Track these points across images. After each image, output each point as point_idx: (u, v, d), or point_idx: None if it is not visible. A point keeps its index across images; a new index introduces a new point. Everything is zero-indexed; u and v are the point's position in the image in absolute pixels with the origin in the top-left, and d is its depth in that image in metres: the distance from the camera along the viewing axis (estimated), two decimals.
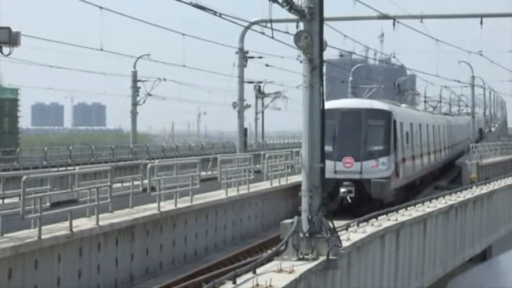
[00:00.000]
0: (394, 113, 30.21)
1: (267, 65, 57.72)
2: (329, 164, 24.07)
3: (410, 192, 33.56)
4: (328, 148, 23.50)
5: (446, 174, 50.53)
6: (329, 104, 27.66)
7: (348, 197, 27.77)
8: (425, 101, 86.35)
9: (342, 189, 27.71)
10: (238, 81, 39.50)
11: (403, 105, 44.08)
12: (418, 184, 36.26)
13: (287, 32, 18.04)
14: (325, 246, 13.66)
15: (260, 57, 53.32)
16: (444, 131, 46.73)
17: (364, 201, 27.79)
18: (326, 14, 14.58)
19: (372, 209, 24.38)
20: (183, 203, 22.13)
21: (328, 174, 19.16)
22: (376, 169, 28.44)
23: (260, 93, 75.14)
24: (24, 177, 15.62)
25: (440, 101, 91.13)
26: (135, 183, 22.16)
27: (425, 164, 37.20)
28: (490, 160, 52.71)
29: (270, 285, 11.44)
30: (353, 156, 28.33)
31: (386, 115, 29.54)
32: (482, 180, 37.85)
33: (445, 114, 68.63)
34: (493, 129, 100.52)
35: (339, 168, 28.22)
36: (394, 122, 29.61)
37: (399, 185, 30.25)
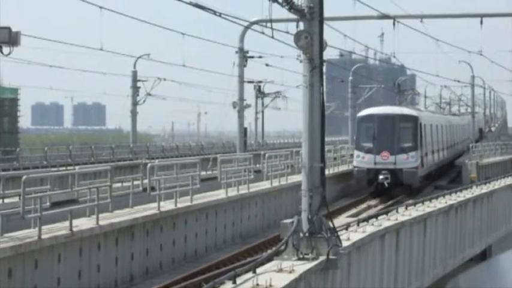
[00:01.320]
0: (420, 117, 38.48)
1: (267, 65, 57.67)
2: (370, 157, 35.94)
3: (430, 179, 41.45)
4: (368, 144, 36.16)
5: (447, 173, 50.61)
6: (369, 111, 38.69)
7: (385, 183, 35.79)
8: (439, 104, 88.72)
9: (381, 177, 35.80)
10: (238, 81, 39.50)
11: (422, 108, 56.22)
12: (434, 173, 43.49)
13: (287, 32, 18.01)
14: (325, 246, 13.65)
15: (260, 57, 53.27)
16: (453, 130, 54.06)
17: (397, 186, 36.11)
18: (326, 14, 14.58)
19: (403, 192, 35.38)
20: (183, 202, 22.13)
21: (369, 165, 33.79)
22: (407, 161, 36.44)
23: (260, 93, 75.14)
24: (24, 177, 15.62)
25: (449, 103, 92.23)
26: (135, 183, 22.17)
27: (441, 157, 45.17)
28: (490, 160, 52.71)
29: (270, 285, 11.43)
30: (389, 151, 36.35)
31: (414, 119, 37.81)
32: (482, 180, 37.84)
33: (454, 114, 74.56)
34: (493, 128, 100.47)
35: (378, 160, 36.38)
36: (420, 124, 37.68)
37: (423, 174, 38.25)
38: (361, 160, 36.98)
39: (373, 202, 35.95)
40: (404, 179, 36.34)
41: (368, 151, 36.77)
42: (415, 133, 37.29)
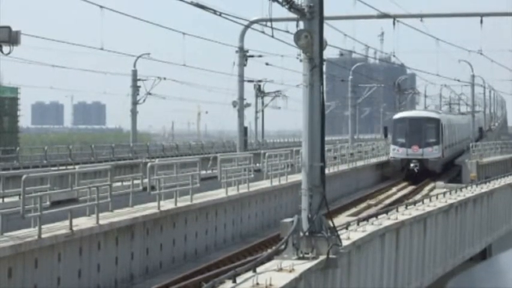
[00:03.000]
0: (441, 119, 49.82)
1: (267, 64, 57.67)
2: (403, 149, 47.12)
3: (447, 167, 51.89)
4: (402, 140, 47.38)
5: (447, 173, 50.67)
6: (402, 114, 51.50)
7: (415, 169, 46.72)
8: (449, 104, 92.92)
9: (411, 165, 46.96)
10: (238, 80, 39.50)
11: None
12: (450, 161, 52.89)
13: (287, 31, 17.98)
14: (325, 245, 13.65)
15: (260, 56, 53.26)
16: (462, 128, 64.18)
17: (424, 172, 46.58)
18: (326, 13, 14.58)
19: (429, 176, 46.19)
20: (183, 202, 22.13)
21: (403, 156, 45.52)
22: (432, 152, 47.39)
23: (260, 92, 75.11)
24: (24, 176, 15.62)
25: (459, 103, 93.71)
26: (135, 182, 22.16)
27: (455, 149, 55.69)
28: (490, 159, 52.72)
29: (270, 284, 11.43)
30: (418, 145, 47.41)
31: (436, 120, 49.14)
32: (482, 179, 37.85)
33: (461, 113, 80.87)
34: (492, 127, 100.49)
35: (409, 152, 47.27)
36: (441, 124, 48.76)
37: (443, 163, 49.33)
38: (396, 152, 47.96)
39: (373, 201, 36.21)
40: (430, 166, 47.18)
41: (402, 145, 47.84)
42: (438, 131, 48.22)
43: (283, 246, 13.55)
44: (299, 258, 13.39)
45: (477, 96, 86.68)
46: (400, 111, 57.59)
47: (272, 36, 15.98)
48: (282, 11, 14.28)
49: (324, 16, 14.36)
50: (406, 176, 46.96)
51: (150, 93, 57.56)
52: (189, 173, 23.60)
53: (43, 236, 15.38)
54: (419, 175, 46.34)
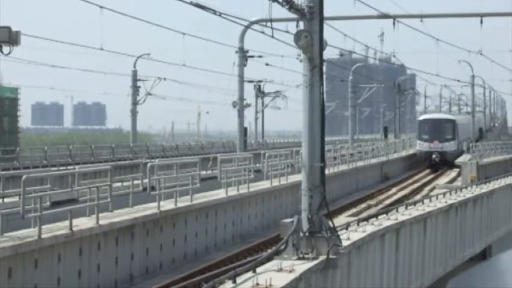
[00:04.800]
0: (456, 120, 63.56)
1: (267, 64, 57.67)
2: (427, 144, 59.21)
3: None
4: (426, 136, 59.56)
5: (446, 173, 50.71)
6: (425, 116, 65.10)
7: (436, 159, 58.77)
8: (457, 105, 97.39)
9: (433, 156, 59.00)
10: (238, 81, 39.49)
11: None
12: (462, 152, 61.37)
13: (287, 31, 17.98)
14: (325, 246, 13.65)
15: (260, 57, 53.27)
16: (470, 126, 73.66)
17: (443, 162, 58.30)
18: (326, 13, 14.57)
19: (446, 165, 57.54)
20: (183, 202, 22.12)
21: (426, 149, 58.95)
22: (449, 146, 59.76)
23: (260, 93, 75.18)
24: (24, 177, 15.62)
25: (459, 104, 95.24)
26: (135, 182, 22.14)
27: (466, 143, 64.25)
28: (490, 159, 52.70)
29: (270, 285, 11.43)
30: (438, 140, 59.72)
31: (452, 121, 62.48)
32: (482, 180, 37.82)
33: (467, 113, 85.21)
34: (493, 128, 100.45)
35: (431, 146, 59.57)
36: (456, 124, 61.87)
37: (458, 154, 58.83)
38: (422, 146, 60.48)
39: (373, 202, 36.25)
40: (447, 157, 58.32)
41: (426, 140, 60.26)
42: (454, 130, 60.79)
43: (283, 247, 13.55)
44: (299, 259, 13.39)
45: (477, 96, 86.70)
46: (424, 114, 71.01)
47: (272, 37, 16.00)
48: (282, 12, 14.30)
49: (324, 16, 14.36)
50: (429, 165, 59.21)
51: (150, 94, 57.62)
52: (189, 173, 23.59)
53: (43, 236, 15.38)
54: (439, 164, 58.65)
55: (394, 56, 50.81)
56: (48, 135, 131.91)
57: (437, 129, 60.25)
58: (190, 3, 20.40)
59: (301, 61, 14.37)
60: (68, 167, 35.10)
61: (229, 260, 20.88)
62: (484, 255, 29.55)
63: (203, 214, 23.22)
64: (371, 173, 48.56)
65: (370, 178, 47.59)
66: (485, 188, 29.98)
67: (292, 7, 13.90)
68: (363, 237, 16.26)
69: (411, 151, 64.81)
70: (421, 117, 64.72)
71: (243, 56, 38.83)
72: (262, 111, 77.99)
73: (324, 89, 14.36)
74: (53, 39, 49.57)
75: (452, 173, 53.94)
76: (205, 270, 18.95)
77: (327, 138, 15.75)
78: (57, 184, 20.57)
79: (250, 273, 12.02)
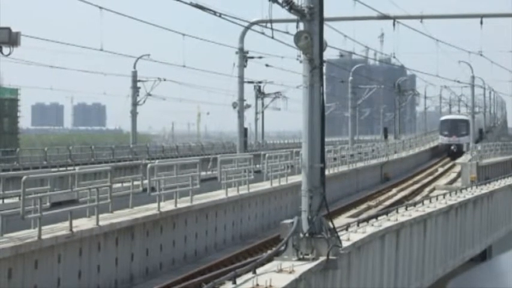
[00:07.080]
0: (469, 119, 74.62)
1: (267, 65, 57.65)
2: (447, 138, 77.76)
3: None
4: (446, 132, 78.39)
5: (447, 173, 50.72)
6: (446, 117, 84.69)
7: (454, 150, 74.02)
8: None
9: (452, 147, 75.23)
10: (238, 81, 39.46)
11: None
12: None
13: (287, 32, 17.98)
14: (325, 246, 13.65)
15: (260, 57, 53.25)
16: (480, 124, 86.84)
17: (459, 152, 71.12)
18: (326, 14, 14.57)
19: (461, 155, 67.45)
20: (183, 203, 22.13)
21: (447, 142, 77.90)
22: (464, 140, 73.90)
23: (260, 93, 75.15)
24: (24, 177, 15.62)
25: (459, 104, 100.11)
26: (135, 183, 22.14)
27: (476, 138, 75.15)
28: (490, 160, 52.72)
29: (270, 285, 11.44)
30: (456, 135, 76.23)
31: (467, 121, 76.39)
32: (482, 181, 37.82)
33: (475, 113, 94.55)
34: (493, 129, 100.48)
35: (451, 140, 76.33)
36: (469, 123, 74.09)
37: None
38: (443, 140, 77.86)
39: (373, 202, 36.26)
40: (463, 148, 72.66)
41: (446, 135, 77.41)
42: (468, 127, 74.42)
43: (283, 247, 13.56)
44: (299, 259, 13.39)
45: (477, 97, 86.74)
46: (445, 115, 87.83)
47: (272, 38, 16.00)
48: (282, 12, 14.28)
49: (324, 17, 14.36)
50: (448, 154, 74.15)
51: (150, 94, 57.56)
52: (189, 174, 23.59)
53: (43, 237, 15.38)
54: (457, 153, 71.80)
55: (394, 57, 50.70)
56: (48, 136, 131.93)
57: (455, 126, 77.64)
58: (190, 3, 20.39)
59: (301, 62, 14.37)
60: (68, 168, 35.10)
61: (229, 260, 20.89)
62: (484, 256, 29.54)
63: (203, 215, 23.22)
64: (371, 174, 48.61)
65: (370, 179, 47.66)
66: (485, 189, 29.98)
67: (292, 8, 13.90)
68: (363, 238, 16.26)
69: (432, 144, 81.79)
70: (442, 118, 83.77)
71: (243, 56, 38.82)
72: (262, 112, 77.99)
73: (324, 89, 14.36)
74: (53, 40, 49.49)
75: (452, 174, 53.93)
76: (206, 271, 18.96)
77: (327, 139, 15.74)
78: (57, 185, 20.58)
79: (250, 274, 12.03)
